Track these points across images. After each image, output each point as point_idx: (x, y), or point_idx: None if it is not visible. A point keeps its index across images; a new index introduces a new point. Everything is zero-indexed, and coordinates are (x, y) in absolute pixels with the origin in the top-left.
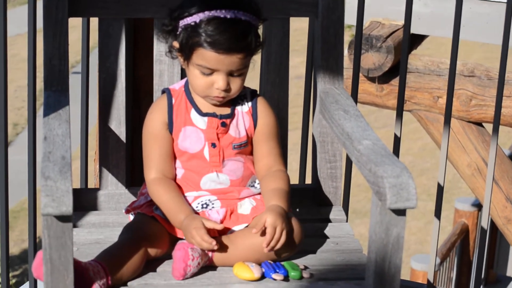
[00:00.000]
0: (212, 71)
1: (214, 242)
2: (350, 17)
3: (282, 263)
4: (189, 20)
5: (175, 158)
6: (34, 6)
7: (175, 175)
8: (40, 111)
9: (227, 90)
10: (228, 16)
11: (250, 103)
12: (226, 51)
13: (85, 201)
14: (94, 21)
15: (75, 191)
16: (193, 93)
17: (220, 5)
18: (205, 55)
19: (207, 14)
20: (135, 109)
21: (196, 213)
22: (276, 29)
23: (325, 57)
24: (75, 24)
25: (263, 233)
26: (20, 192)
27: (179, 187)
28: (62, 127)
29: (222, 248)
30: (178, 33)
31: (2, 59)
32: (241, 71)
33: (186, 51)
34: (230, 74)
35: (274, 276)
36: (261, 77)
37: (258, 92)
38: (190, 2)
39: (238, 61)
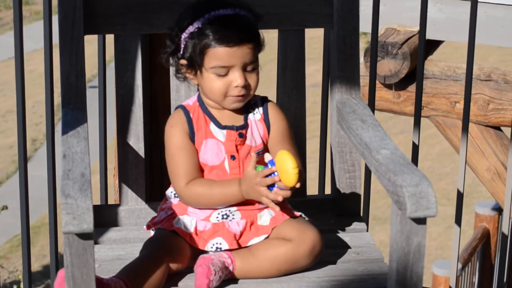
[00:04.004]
0: (227, 70)
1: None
2: (364, 25)
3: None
4: (191, 29)
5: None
6: (50, 22)
7: None
8: (58, 126)
9: (246, 86)
10: (229, 13)
11: (261, 110)
12: (237, 43)
13: (105, 217)
14: (109, 36)
15: (95, 207)
16: (209, 106)
17: (218, 7)
18: (218, 53)
19: (207, 16)
20: (153, 124)
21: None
22: (292, 40)
23: (341, 67)
24: (89, 38)
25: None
26: (40, 208)
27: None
28: (81, 145)
29: (243, 260)
30: (183, 47)
31: (19, 75)
32: (254, 65)
33: (197, 58)
34: (244, 68)
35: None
36: (277, 88)
37: (272, 100)
38: (186, 14)
39: (250, 52)
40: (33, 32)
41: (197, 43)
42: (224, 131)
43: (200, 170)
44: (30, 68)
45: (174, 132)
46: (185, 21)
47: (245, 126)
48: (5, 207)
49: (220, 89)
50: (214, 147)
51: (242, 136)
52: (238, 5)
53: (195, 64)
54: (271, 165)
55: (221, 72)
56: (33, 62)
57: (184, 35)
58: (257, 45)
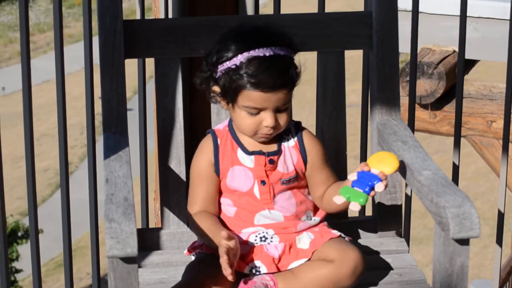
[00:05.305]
0: (259, 110)
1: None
2: (400, 44)
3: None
4: (228, 64)
5: (220, 196)
6: (90, 46)
7: (217, 214)
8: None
9: (276, 126)
10: (267, 54)
11: (296, 138)
12: (271, 89)
13: (147, 240)
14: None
15: (138, 231)
16: (238, 132)
17: (257, 44)
18: (251, 96)
19: (246, 55)
20: (193, 147)
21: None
22: (332, 62)
23: (381, 88)
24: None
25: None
26: (75, 231)
27: (234, 225)
28: (123, 169)
29: (286, 282)
30: (217, 77)
31: (60, 100)
32: (287, 105)
33: (230, 94)
34: (277, 110)
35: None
36: (317, 110)
37: (308, 123)
38: (225, 45)
39: (284, 97)
40: (67, 55)
41: (232, 81)
42: (252, 157)
43: (217, 204)
44: None
45: (198, 161)
46: (223, 54)
47: (278, 152)
48: (40, 231)
49: (250, 126)
50: (242, 174)
51: (273, 163)
52: (278, 40)
53: (228, 97)
54: (357, 186)
55: (253, 111)
56: (67, 85)
57: (220, 67)
58: (292, 87)
